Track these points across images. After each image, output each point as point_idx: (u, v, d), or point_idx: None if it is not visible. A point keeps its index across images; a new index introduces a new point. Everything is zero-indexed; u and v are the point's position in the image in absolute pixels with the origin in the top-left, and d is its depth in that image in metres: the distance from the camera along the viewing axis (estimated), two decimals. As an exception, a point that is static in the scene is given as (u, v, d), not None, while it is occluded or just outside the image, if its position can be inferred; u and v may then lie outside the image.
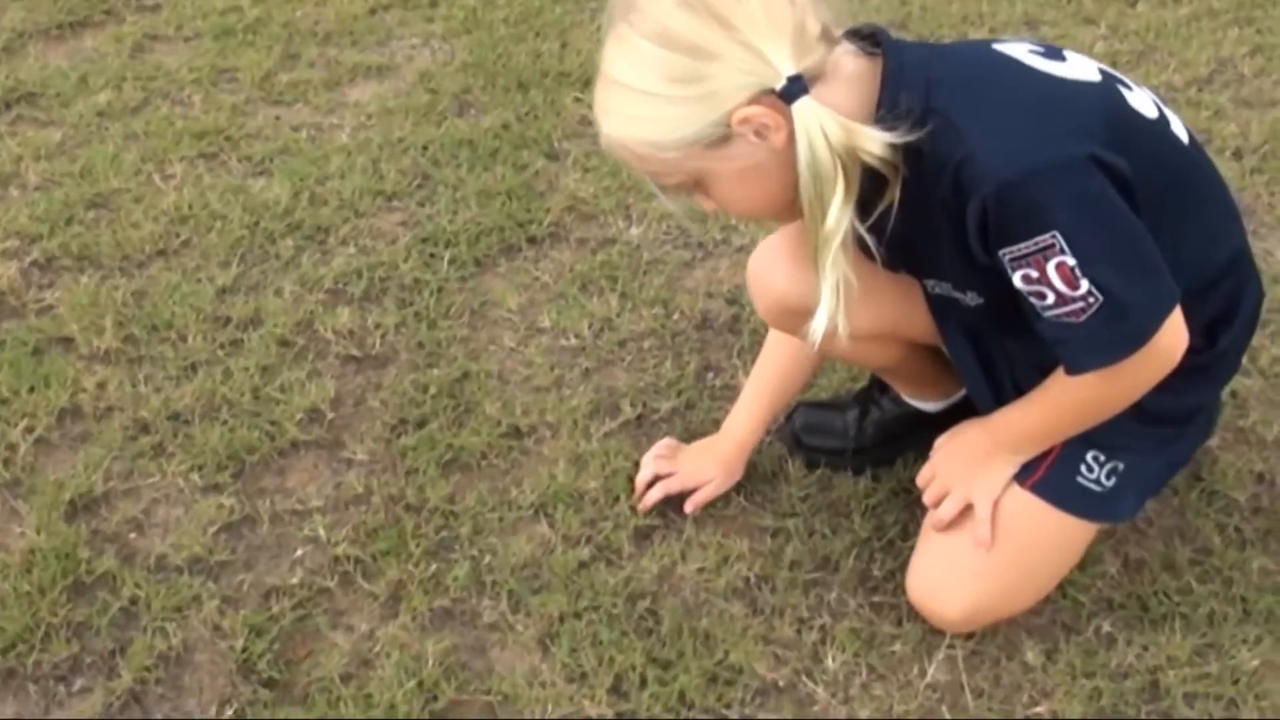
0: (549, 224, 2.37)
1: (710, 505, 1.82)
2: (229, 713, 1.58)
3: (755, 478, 1.86)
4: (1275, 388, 2.00)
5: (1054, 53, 1.51)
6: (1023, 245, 1.40)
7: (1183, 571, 1.73)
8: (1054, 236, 1.38)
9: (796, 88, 1.37)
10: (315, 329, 2.14)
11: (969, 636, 1.65)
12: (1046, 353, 1.51)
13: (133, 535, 1.80)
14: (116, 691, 1.60)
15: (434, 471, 1.88)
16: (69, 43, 2.97)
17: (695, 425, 1.96)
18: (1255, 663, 1.62)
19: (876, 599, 1.71)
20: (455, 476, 1.89)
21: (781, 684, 1.61)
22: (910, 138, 1.39)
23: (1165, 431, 1.65)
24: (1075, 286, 1.40)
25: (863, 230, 1.45)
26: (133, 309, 2.18)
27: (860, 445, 1.88)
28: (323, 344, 2.12)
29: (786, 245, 1.68)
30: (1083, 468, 1.61)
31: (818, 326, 1.45)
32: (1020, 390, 1.63)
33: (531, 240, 2.34)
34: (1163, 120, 1.54)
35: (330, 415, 1.98)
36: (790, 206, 1.46)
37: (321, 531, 1.79)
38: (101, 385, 2.03)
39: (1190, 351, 1.51)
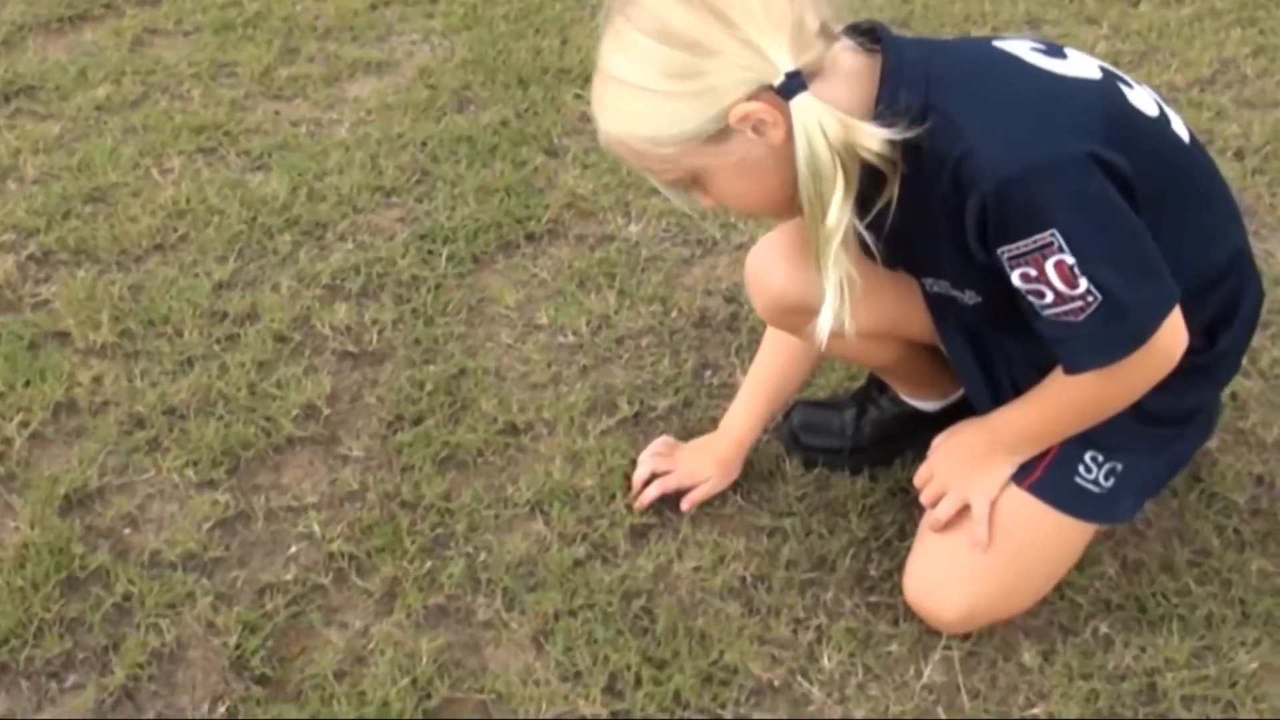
0: (547, 221, 2.36)
1: (707, 504, 1.82)
2: (221, 710, 1.57)
3: (752, 476, 1.86)
4: (1275, 389, 1.99)
5: (1055, 50, 1.50)
6: (1021, 243, 1.39)
7: (1181, 573, 1.72)
8: (1053, 235, 1.37)
9: (795, 84, 1.37)
10: (312, 325, 2.13)
11: (966, 637, 1.64)
12: (1045, 352, 1.50)
13: (127, 531, 1.80)
14: (109, 688, 1.59)
15: (430, 468, 1.87)
16: (68, 36, 2.97)
17: (693, 423, 1.95)
18: (1253, 665, 1.61)
19: (873, 599, 1.70)
20: (451, 473, 1.88)
21: (777, 684, 1.61)
22: (909, 134, 1.38)
23: (1164, 432, 1.64)
24: (1074, 285, 1.40)
25: (861, 228, 1.44)
26: (129, 303, 2.17)
27: (858, 444, 1.87)
28: (319, 340, 2.11)
29: (785, 243, 1.67)
30: (1081, 468, 1.61)
31: (824, 325, 1.44)
32: (1018, 390, 1.62)
33: (530, 237, 2.34)
34: (1163, 118, 1.54)
35: (326, 411, 1.97)
36: (789, 204, 1.45)
37: (316, 528, 1.79)
38: (97, 380, 2.02)
39: (1190, 352, 1.50)
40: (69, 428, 1.95)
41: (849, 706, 1.58)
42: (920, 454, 1.72)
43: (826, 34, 1.41)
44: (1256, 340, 1.94)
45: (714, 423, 1.89)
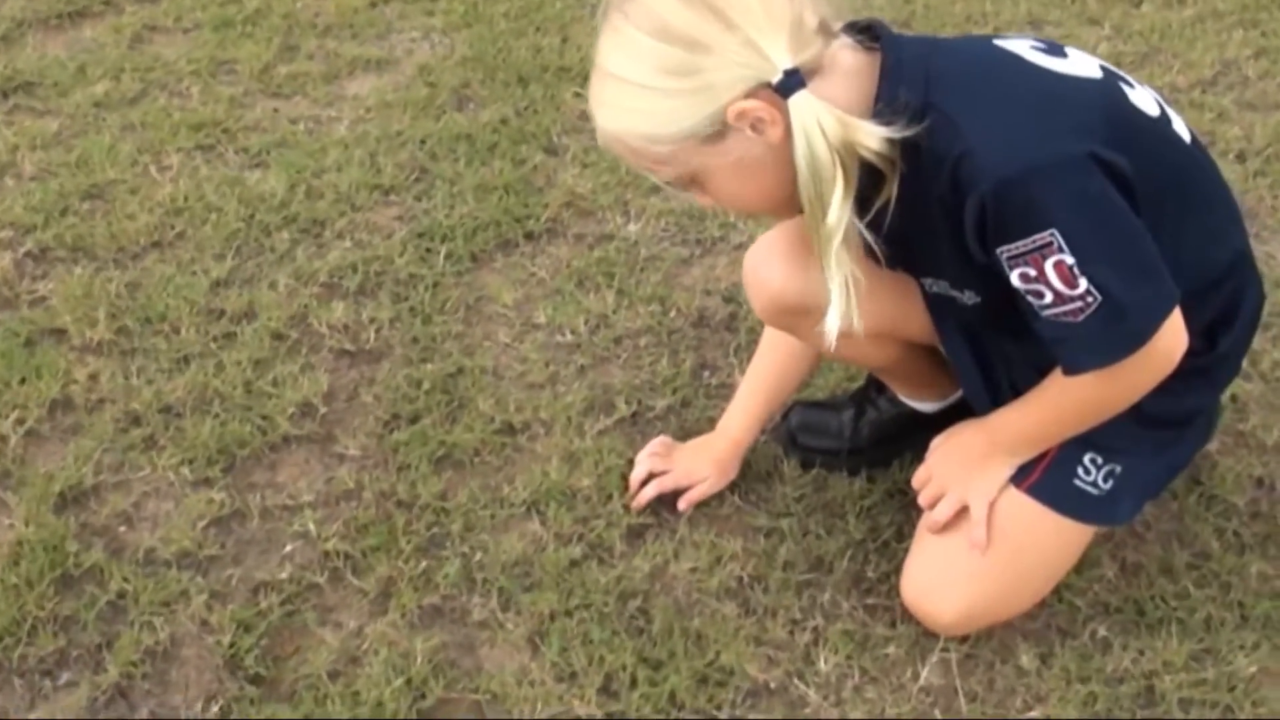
0: (546, 219, 2.36)
1: (704, 504, 1.81)
2: (215, 709, 1.57)
3: (750, 477, 1.85)
4: (1276, 392, 1.99)
5: (1055, 49, 1.49)
6: (1021, 243, 1.39)
7: (1180, 576, 1.71)
8: (1052, 234, 1.37)
9: (793, 81, 1.36)
10: (309, 323, 2.13)
11: (963, 640, 1.64)
12: (1044, 353, 1.50)
13: (122, 528, 1.79)
14: (102, 686, 1.59)
15: (426, 467, 1.87)
16: (68, 32, 2.96)
17: (690, 423, 1.94)
18: (1252, 669, 1.60)
19: (870, 601, 1.69)
20: (447, 473, 1.87)
21: (773, 686, 1.60)
22: (908, 133, 1.38)
23: (1164, 434, 1.63)
24: (1073, 285, 1.39)
25: (861, 227, 1.43)
26: (126, 301, 2.17)
27: (856, 445, 1.86)
28: (316, 338, 2.10)
29: (783, 242, 1.66)
30: (1080, 470, 1.60)
31: (831, 325, 1.43)
32: (1018, 391, 1.61)
33: (528, 236, 2.33)
34: (1164, 119, 1.53)
35: (323, 410, 1.97)
36: (787, 203, 1.44)
37: (311, 527, 1.78)
38: (93, 377, 2.01)
39: (1190, 353, 1.49)
40: (65, 425, 1.95)
41: (845, 709, 1.57)
42: (918, 455, 1.71)
43: (825, 32, 1.40)
44: (1257, 342, 1.93)
45: (712, 423, 1.88)
